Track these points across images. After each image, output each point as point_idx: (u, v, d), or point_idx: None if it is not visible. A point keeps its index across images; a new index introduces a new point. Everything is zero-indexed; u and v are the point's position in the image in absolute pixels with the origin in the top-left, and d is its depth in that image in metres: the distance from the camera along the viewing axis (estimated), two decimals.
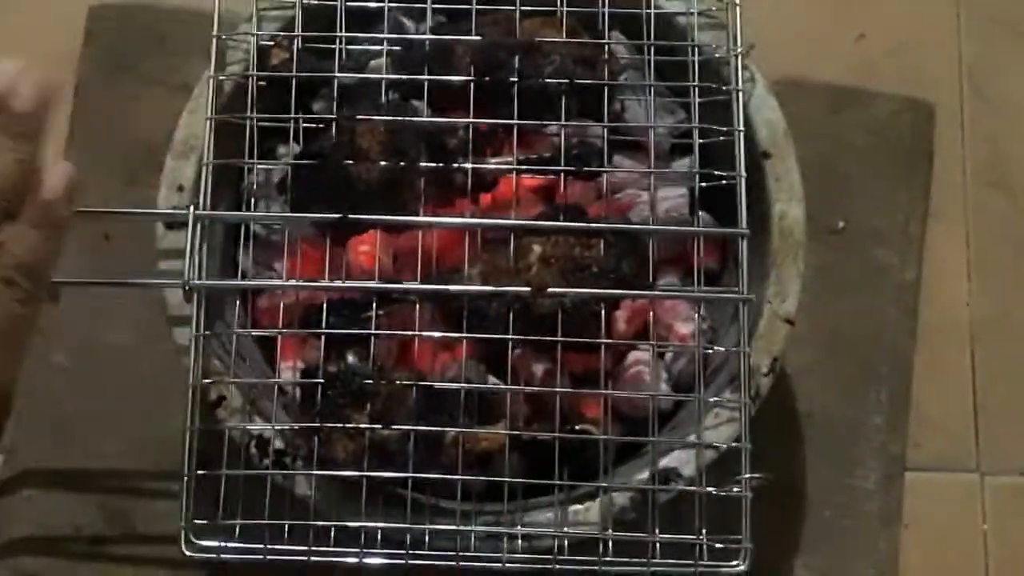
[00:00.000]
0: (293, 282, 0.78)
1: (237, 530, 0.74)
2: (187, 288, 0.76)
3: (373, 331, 0.75)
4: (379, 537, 0.74)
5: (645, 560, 0.73)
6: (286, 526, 0.74)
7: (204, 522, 0.73)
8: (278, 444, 0.76)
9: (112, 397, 0.96)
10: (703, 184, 0.79)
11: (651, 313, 0.77)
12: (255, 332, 0.81)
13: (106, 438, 0.95)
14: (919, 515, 0.96)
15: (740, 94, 0.78)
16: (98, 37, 1.05)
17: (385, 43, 0.82)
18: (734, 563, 0.72)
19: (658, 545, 0.73)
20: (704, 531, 0.73)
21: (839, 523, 0.95)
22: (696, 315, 0.78)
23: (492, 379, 0.79)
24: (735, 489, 0.73)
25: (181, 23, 1.04)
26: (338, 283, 0.77)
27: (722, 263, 0.87)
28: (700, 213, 0.80)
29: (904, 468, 0.97)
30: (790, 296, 0.79)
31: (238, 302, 0.79)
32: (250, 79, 0.81)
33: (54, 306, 0.96)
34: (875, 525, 0.95)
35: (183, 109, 0.83)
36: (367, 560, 0.73)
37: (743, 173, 0.76)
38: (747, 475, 0.73)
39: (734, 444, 0.75)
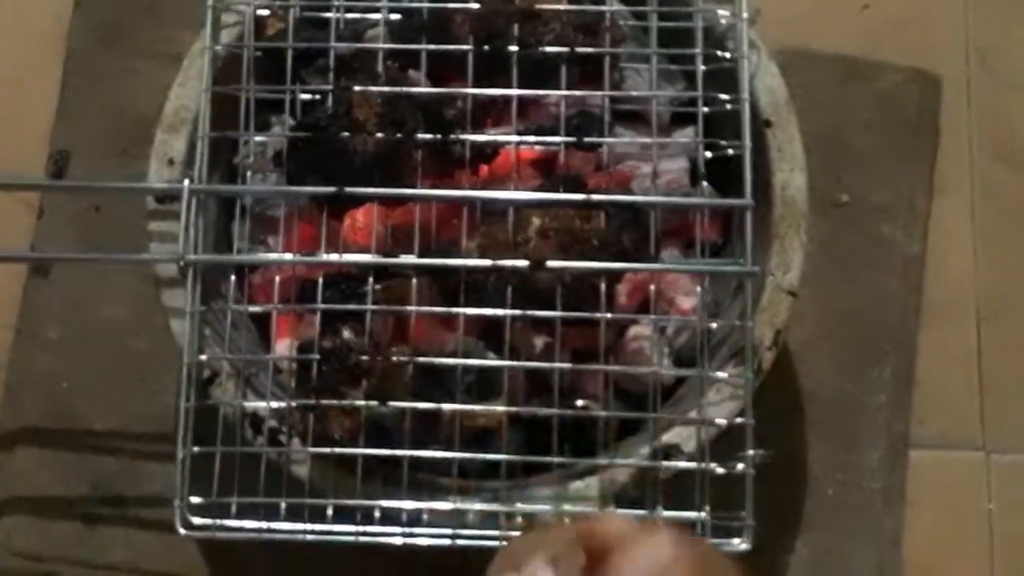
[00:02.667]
0: (289, 256, 0.77)
1: (233, 508, 0.72)
2: (182, 263, 0.74)
3: (369, 306, 0.74)
4: (376, 515, 0.72)
5: None
6: (282, 504, 0.73)
7: (199, 500, 0.72)
8: (272, 422, 0.75)
9: (105, 373, 0.94)
10: (708, 154, 0.77)
11: (652, 287, 0.76)
12: (251, 308, 0.79)
13: (99, 414, 0.94)
14: (923, 493, 0.95)
15: (746, 62, 0.77)
16: (88, 7, 1.03)
17: (383, 11, 0.80)
18: (736, 540, 0.71)
19: (659, 522, 0.72)
20: (707, 508, 0.72)
21: (842, 501, 0.94)
22: (698, 289, 0.77)
23: (491, 355, 0.77)
24: (738, 466, 0.72)
25: None
26: (335, 257, 0.75)
27: (724, 235, 0.86)
28: (703, 184, 0.79)
29: (908, 446, 0.96)
30: (793, 268, 0.78)
31: (233, 278, 0.78)
32: (245, 50, 0.79)
33: (45, 281, 0.96)
34: (879, 503, 0.94)
35: (174, 81, 0.81)
36: (363, 538, 0.72)
37: (748, 143, 0.74)
38: (750, 451, 0.72)
39: (737, 420, 0.73)
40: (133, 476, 0.92)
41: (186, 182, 0.75)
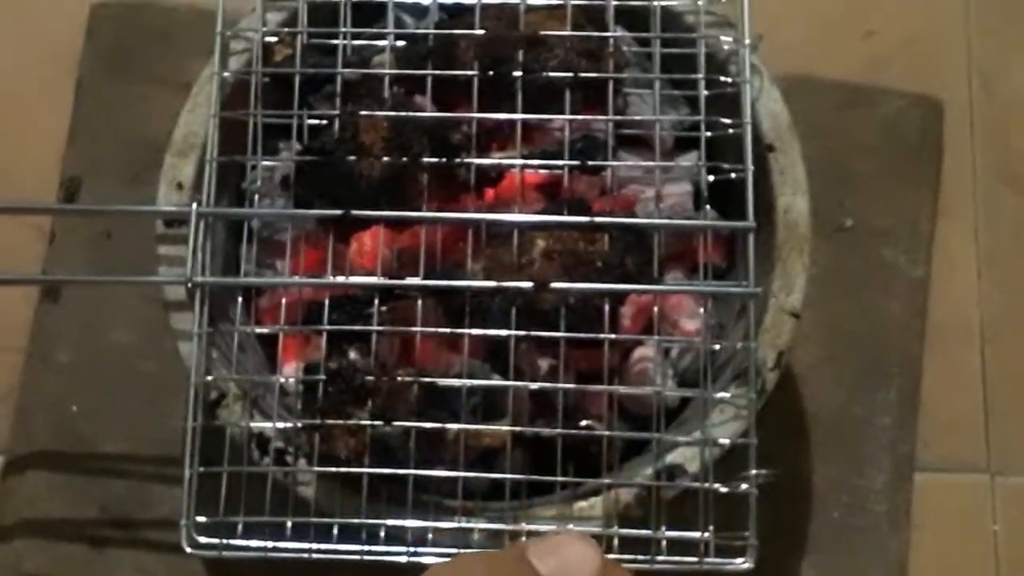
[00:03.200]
0: (296, 279, 0.78)
1: (240, 528, 0.73)
2: (189, 285, 0.75)
3: (375, 328, 0.75)
4: (381, 535, 0.73)
5: (650, 557, 0.72)
6: (288, 524, 0.73)
7: (206, 520, 0.73)
8: (278, 443, 0.76)
9: (114, 396, 0.95)
10: (711, 178, 0.78)
11: (656, 309, 0.76)
12: (257, 330, 0.80)
13: (109, 437, 0.94)
14: (929, 516, 0.95)
15: (748, 86, 0.78)
16: (100, 35, 1.04)
17: (389, 38, 0.81)
18: (740, 560, 0.72)
19: (663, 542, 0.73)
20: (710, 528, 0.72)
21: (847, 523, 0.94)
22: (702, 311, 0.78)
23: (496, 376, 0.78)
24: (741, 485, 0.72)
25: (184, 21, 1.04)
26: (341, 279, 0.76)
27: (728, 259, 0.86)
28: (706, 207, 0.80)
29: (913, 468, 0.96)
30: (796, 290, 0.78)
31: (240, 301, 0.78)
32: (254, 76, 0.80)
33: (55, 305, 0.97)
34: (884, 525, 0.94)
35: (183, 107, 0.82)
36: (369, 557, 0.72)
37: (751, 167, 0.75)
38: (753, 471, 0.72)
39: (740, 440, 0.74)
40: (142, 499, 0.92)
41: (194, 205, 0.76)
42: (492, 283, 0.74)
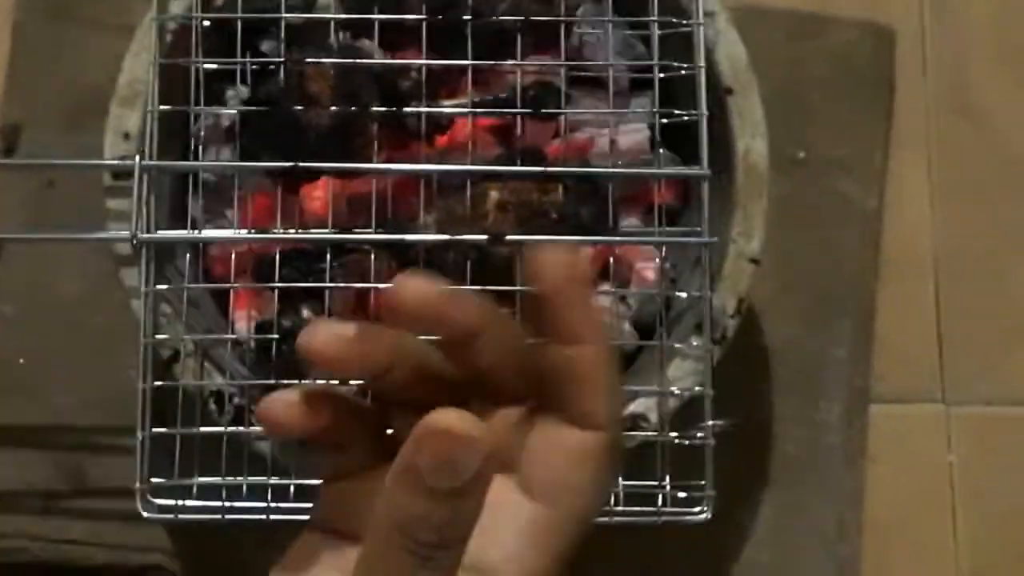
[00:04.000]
0: (245, 233, 0.76)
1: (195, 489, 0.72)
2: (135, 242, 0.73)
3: (327, 284, 0.73)
4: None
5: (608, 508, 0.72)
6: (244, 484, 0.72)
7: (160, 481, 0.72)
8: (237, 400, 0.75)
9: (63, 349, 0.93)
10: (664, 121, 0.77)
11: (611, 260, 0.76)
12: (206, 286, 0.79)
13: (58, 392, 0.92)
14: (884, 447, 0.96)
15: (702, 28, 0.76)
16: None
17: None
18: (696, 510, 0.72)
19: (621, 493, 0.72)
20: (667, 478, 0.72)
21: (803, 458, 0.94)
22: (657, 260, 0.77)
23: None
24: (698, 436, 0.72)
25: None
26: (291, 234, 0.75)
27: (684, 200, 0.85)
28: (661, 151, 0.78)
29: (869, 400, 0.96)
30: (755, 235, 0.78)
31: (188, 256, 0.77)
32: (193, 20, 0.78)
33: None
34: (839, 458, 0.94)
35: (126, 52, 0.80)
36: None
37: (705, 112, 0.74)
38: (709, 422, 0.72)
39: (697, 390, 0.74)
40: (94, 454, 0.91)
41: (137, 158, 0.74)
42: (445, 237, 0.73)
